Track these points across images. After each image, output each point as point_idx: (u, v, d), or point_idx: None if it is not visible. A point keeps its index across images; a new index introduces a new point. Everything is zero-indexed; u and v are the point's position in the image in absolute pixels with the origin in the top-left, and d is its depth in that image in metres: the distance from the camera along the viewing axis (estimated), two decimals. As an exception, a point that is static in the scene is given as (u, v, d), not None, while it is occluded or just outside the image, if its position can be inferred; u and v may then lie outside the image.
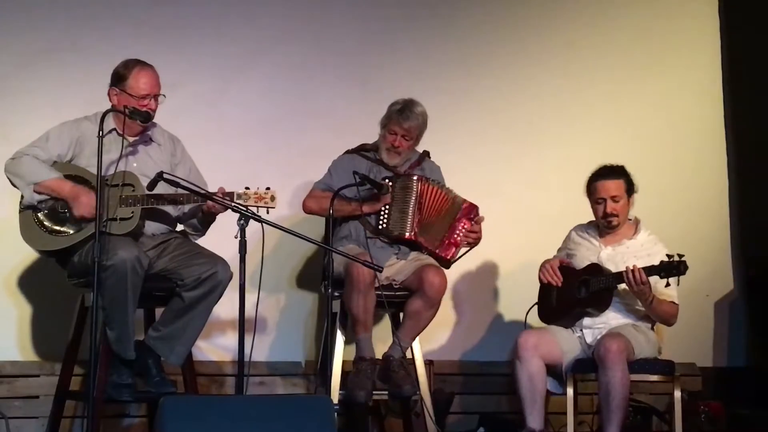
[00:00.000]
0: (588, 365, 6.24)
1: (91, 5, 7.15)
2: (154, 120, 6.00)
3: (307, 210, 6.64)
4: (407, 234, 6.44)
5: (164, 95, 5.93)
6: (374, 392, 6.32)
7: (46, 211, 5.79)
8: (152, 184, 5.72)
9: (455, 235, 6.51)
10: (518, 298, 7.02)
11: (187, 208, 6.03)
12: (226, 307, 6.26)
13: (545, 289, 6.57)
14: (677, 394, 6.31)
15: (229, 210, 5.72)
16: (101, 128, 5.54)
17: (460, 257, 6.60)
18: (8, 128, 6.74)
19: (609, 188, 6.41)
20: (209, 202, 5.80)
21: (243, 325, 5.51)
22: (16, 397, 6.64)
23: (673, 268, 6.06)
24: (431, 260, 6.45)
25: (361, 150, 6.70)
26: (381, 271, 6.09)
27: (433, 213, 6.49)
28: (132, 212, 5.74)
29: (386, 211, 6.48)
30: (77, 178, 5.81)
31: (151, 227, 5.96)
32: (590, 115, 8.00)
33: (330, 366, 6.21)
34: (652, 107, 8.11)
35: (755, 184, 8.07)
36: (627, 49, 8.12)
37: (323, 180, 6.63)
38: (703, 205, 8.13)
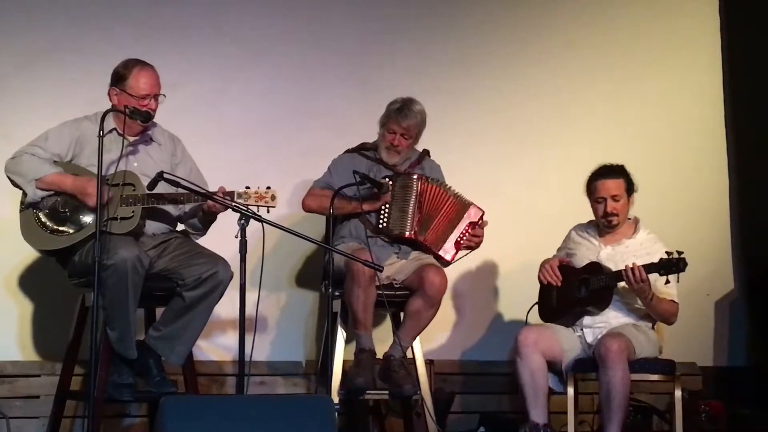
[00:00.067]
0: (588, 365, 6.24)
1: (91, 5, 7.15)
2: (154, 120, 5.99)
3: (306, 208, 6.63)
4: (407, 233, 6.44)
5: (164, 95, 5.93)
6: (375, 391, 6.32)
7: (46, 211, 5.79)
8: (153, 184, 5.72)
9: (458, 238, 6.51)
10: (518, 298, 7.02)
11: (187, 207, 6.03)
12: (226, 306, 6.26)
13: (545, 288, 6.57)
14: (678, 393, 6.31)
15: (230, 209, 5.71)
16: (101, 128, 5.54)
17: (459, 258, 6.59)
18: (9, 128, 6.74)
19: (609, 188, 6.41)
20: (209, 202, 5.80)
21: (243, 324, 5.51)
22: (16, 397, 6.64)
23: (672, 265, 6.06)
24: (432, 259, 6.45)
25: (361, 149, 6.70)
26: (381, 271, 6.09)
27: (434, 212, 6.49)
28: (132, 212, 5.74)
29: (386, 210, 6.48)
30: (79, 175, 5.81)
31: (152, 227, 5.95)
32: (590, 115, 8.00)
33: (330, 365, 6.21)
34: (652, 107, 8.11)
35: (755, 184, 8.07)
36: (627, 49, 8.11)
37: (322, 178, 6.64)
38: (703, 204, 8.13)
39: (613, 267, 6.30)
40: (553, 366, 6.33)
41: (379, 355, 6.37)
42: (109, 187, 5.70)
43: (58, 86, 6.96)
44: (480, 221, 6.54)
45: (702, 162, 8.19)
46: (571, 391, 6.33)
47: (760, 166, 8.02)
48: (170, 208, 5.99)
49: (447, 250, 6.50)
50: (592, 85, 8.04)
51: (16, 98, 6.91)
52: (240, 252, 5.51)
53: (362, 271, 6.13)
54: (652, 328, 6.41)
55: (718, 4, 8.33)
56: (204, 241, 6.11)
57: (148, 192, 5.76)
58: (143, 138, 6.01)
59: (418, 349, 6.45)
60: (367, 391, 6.31)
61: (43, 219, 5.79)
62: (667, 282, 6.12)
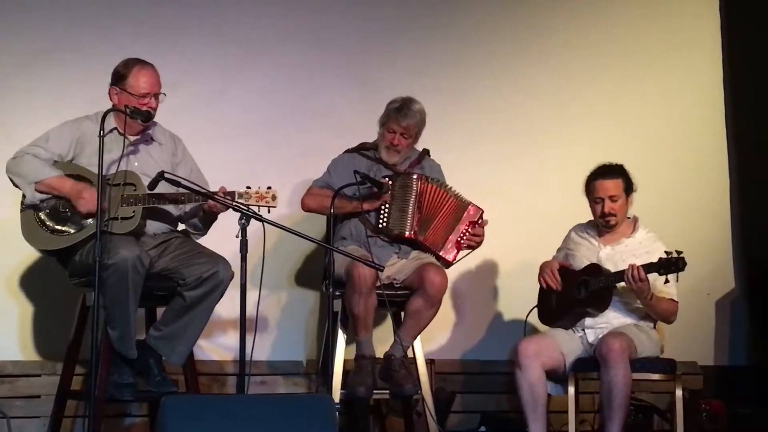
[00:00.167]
0: (589, 364, 6.24)
1: (91, 5, 7.15)
2: (155, 119, 5.99)
3: (305, 208, 6.63)
4: (407, 233, 6.43)
5: (165, 94, 5.92)
6: (375, 391, 6.32)
7: (47, 211, 5.79)
8: (153, 184, 5.72)
9: (459, 238, 6.51)
10: (518, 297, 7.04)
11: (188, 207, 6.02)
12: (227, 306, 6.25)
13: (545, 290, 6.57)
14: (678, 392, 6.30)
15: (230, 209, 5.71)
16: (102, 128, 5.54)
17: (460, 259, 6.59)
18: (9, 128, 6.75)
19: (607, 188, 6.41)
20: (210, 202, 5.80)
21: (244, 324, 5.51)
22: (17, 397, 6.64)
23: (671, 264, 6.06)
24: (432, 259, 6.45)
25: (360, 149, 6.70)
26: (382, 270, 6.09)
27: (434, 212, 6.49)
28: (133, 211, 5.74)
29: (386, 210, 6.47)
30: (78, 177, 5.81)
31: (153, 226, 5.95)
32: (590, 114, 8.01)
33: (331, 365, 6.20)
34: (652, 107, 8.12)
35: (756, 183, 8.08)
36: (627, 49, 8.12)
37: (322, 178, 6.63)
38: (704, 204, 8.13)
39: (613, 267, 6.30)
40: (554, 374, 6.33)
41: (380, 354, 6.37)
42: (109, 191, 5.69)
43: (58, 86, 6.96)
44: (480, 220, 6.54)
45: (702, 161, 8.19)
46: (571, 390, 6.33)
47: (760, 165, 8.03)
48: (171, 208, 5.99)
49: (448, 251, 6.50)
50: (592, 84, 8.04)
51: (16, 98, 6.91)
52: (241, 251, 5.50)
53: (362, 278, 6.12)
54: (653, 327, 6.41)
55: (718, 3, 8.34)
56: (204, 241, 6.10)
57: (148, 192, 5.76)
58: (144, 137, 6.01)
59: (419, 349, 6.45)
60: (368, 392, 6.34)
61: (44, 219, 5.79)
62: (667, 281, 6.12)
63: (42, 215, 5.79)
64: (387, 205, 6.47)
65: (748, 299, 8.10)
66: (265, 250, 5.71)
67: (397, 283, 6.38)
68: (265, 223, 5.58)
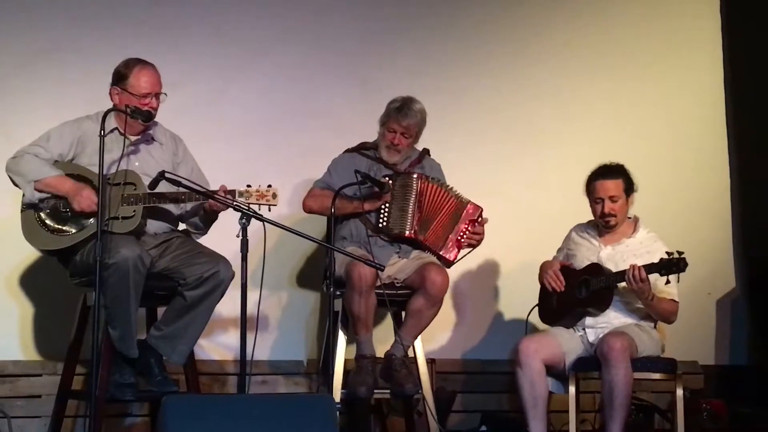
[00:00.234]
0: (590, 363, 6.24)
1: (91, 5, 7.15)
2: (155, 119, 5.99)
3: (307, 209, 6.63)
4: (407, 232, 6.43)
5: (166, 94, 5.92)
6: (376, 391, 6.32)
7: (48, 211, 5.79)
8: (154, 183, 5.72)
9: (459, 237, 6.51)
10: (519, 297, 7.05)
11: (189, 206, 6.02)
12: (227, 306, 6.25)
13: (545, 290, 6.56)
14: (679, 392, 6.28)
15: (231, 209, 5.71)
16: (103, 127, 5.54)
17: (461, 258, 6.59)
18: (9, 128, 6.75)
19: (607, 188, 6.40)
20: (211, 201, 5.80)
21: (245, 323, 5.51)
22: (18, 397, 6.65)
23: (672, 265, 6.05)
24: (433, 258, 6.45)
25: (360, 148, 6.70)
26: (383, 270, 6.09)
27: (434, 211, 6.49)
28: (134, 211, 5.74)
29: (386, 210, 6.47)
30: (79, 177, 5.81)
31: (153, 226, 5.95)
32: (590, 114, 8.01)
33: (332, 365, 6.20)
34: (652, 107, 8.11)
35: (757, 183, 8.07)
36: (627, 49, 8.12)
37: (323, 179, 6.63)
38: (704, 203, 8.13)
39: (614, 267, 6.30)
40: (555, 372, 6.33)
41: (381, 354, 6.37)
42: (110, 189, 5.69)
43: (58, 86, 6.96)
44: (479, 218, 6.53)
45: (703, 161, 8.19)
46: (572, 389, 6.33)
47: (761, 164, 8.02)
48: (172, 208, 5.99)
49: (449, 250, 6.50)
50: (592, 84, 8.04)
51: (16, 98, 6.91)
52: (241, 251, 5.50)
53: (362, 278, 6.12)
54: (654, 327, 6.41)
55: (718, 3, 8.33)
56: (205, 241, 6.11)
57: (149, 191, 5.76)
58: (145, 137, 6.01)
59: (420, 348, 6.45)
60: (368, 392, 6.34)
61: (45, 219, 5.79)
62: (668, 282, 6.12)
63: (43, 215, 5.79)
64: (387, 205, 6.46)
65: (748, 299, 8.09)
66: (265, 250, 5.71)
67: (398, 283, 6.38)
68: (265, 223, 5.57)
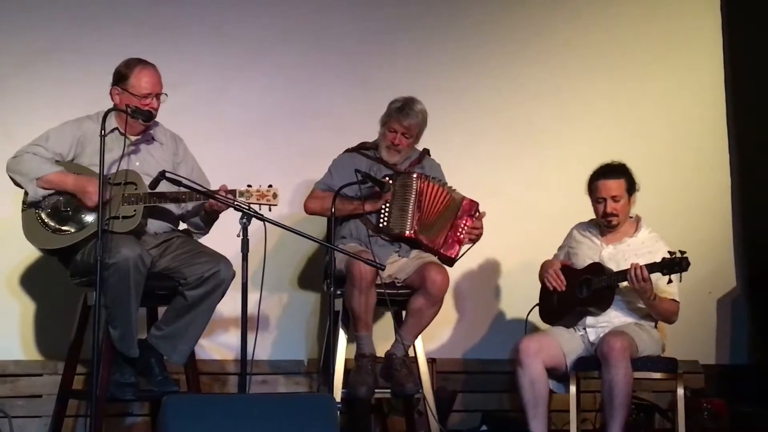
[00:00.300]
0: (591, 363, 6.24)
1: (91, 5, 7.15)
2: (156, 119, 5.98)
3: (308, 211, 6.63)
4: (407, 232, 6.43)
5: (166, 94, 5.92)
6: (377, 390, 6.31)
7: (48, 210, 5.78)
8: (154, 183, 5.72)
9: (458, 233, 6.50)
10: (520, 296, 7.05)
11: (190, 206, 6.02)
12: (228, 305, 6.24)
13: (546, 289, 6.56)
14: (680, 391, 6.28)
15: (231, 208, 5.71)
16: (103, 127, 5.54)
17: (463, 254, 6.58)
18: (9, 128, 6.75)
19: (609, 188, 6.40)
20: (211, 201, 5.80)
21: (245, 323, 5.50)
22: (19, 397, 6.65)
23: (674, 264, 6.05)
24: (433, 258, 6.45)
25: (361, 148, 6.70)
26: (383, 269, 6.09)
27: (434, 210, 6.49)
28: (134, 210, 5.74)
29: (386, 209, 6.47)
30: (80, 175, 5.81)
31: (154, 226, 5.95)
32: (590, 114, 8.01)
33: (332, 364, 6.21)
34: (652, 106, 8.12)
35: (757, 182, 8.08)
36: (627, 49, 8.12)
37: (323, 180, 6.63)
38: (704, 203, 8.13)
39: (615, 266, 6.30)
40: (555, 372, 6.33)
41: (381, 353, 6.37)
42: (111, 186, 5.70)
43: (59, 86, 6.96)
44: (476, 213, 6.52)
45: (703, 161, 8.19)
46: (573, 389, 6.33)
47: (761, 164, 8.03)
48: (172, 207, 5.99)
49: (449, 247, 6.49)
50: (592, 84, 8.05)
51: (16, 98, 6.91)
52: (242, 251, 5.49)
53: (362, 274, 6.12)
54: (655, 326, 6.41)
55: (719, 3, 8.33)
56: (206, 240, 6.11)
57: (150, 191, 5.75)
58: (145, 137, 6.01)
59: (420, 348, 6.45)
60: (369, 391, 6.33)
61: (45, 218, 5.79)
62: (669, 282, 6.12)
63: (43, 214, 5.78)
64: (387, 205, 6.46)
65: (749, 298, 8.10)
66: (266, 250, 5.72)
67: (398, 282, 6.38)
68: (266, 223, 5.57)
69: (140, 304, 5.74)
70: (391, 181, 6.46)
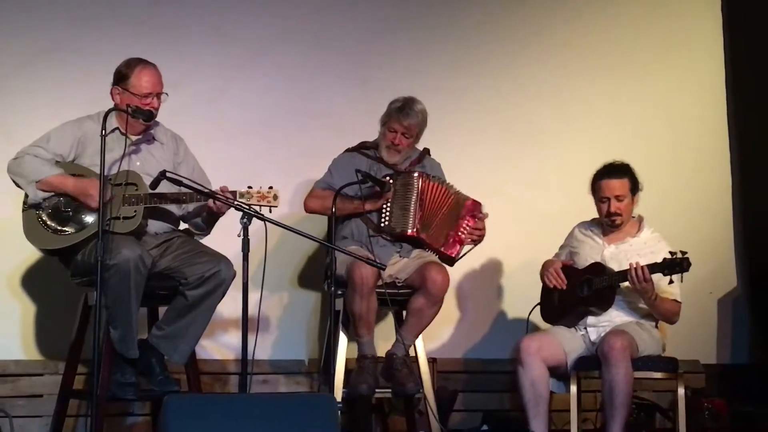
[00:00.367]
0: (592, 362, 6.24)
1: (91, 5, 7.15)
2: (156, 119, 5.98)
3: (309, 210, 6.62)
4: (409, 231, 6.42)
5: (167, 94, 5.92)
6: (377, 390, 6.31)
7: (49, 211, 5.78)
8: (155, 183, 5.71)
9: (460, 233, 6.50)
10: (520, 296, 7.06)
11: (191, 206, 6.02)
12: (229, 305, 6.22)
13: (547, 288, 6.56)
14: (681, 391, 6.28)
15: (232, 209, 5.71)
16: (104, 127, 5.54)
17: (464, 255, 6.58)
18: (9, 128, 6.75)
19: (613, 187, 6.40)
20: (211, 201, 5.79)
21: (246, 323, 5.50)
22: (19, 396, 6.65)
23: (676, 265, 6.05)
24: (434, 258, 6.45)
25: (361, 148, 6.70)
26: (384, 269, 6.09)
27: (435, 209, 6.48)
28: (135, 211, 5.74)
29: (388, 209, 6.47)
30: (80, 177, 5.80)
31: (154, 226, 5.95)
32: (590, 114, 8.01)
33: (333, 364, 6.21)
34: (653, 106, 8.12)
35: (758, 182, 8.08)
36: (627, 48, 8.12)
37: (324, 179, 6.63)
38: (705, 203, 8.13)
39: (617, 266, 6.30)
40: (556, 371, 6.33)
41: (382, 353, 6.37)
42: (112, 187, 5.70)
43: (59, 86, 6.96)
44: (479, 214, 6.52)
45: (703, 161, 8.19)
46: (574, 389, 6.33)
47: (762, 164, 8.03)
48: (173, 208, 5.99)
49: (450, 247, 6.49)
50: (592, 84, 8.04)
51: (16, 98, 6.91)
52: (243, 251, 5.50)
53: (364, 279, 6.12)
54: (656, 326, 6.41)
55: (719, 2, 8.33)
56: (206, 240, 6.10)
57: (150, 191, 5.75)
58: (146, 137, 6.01)
59: (421, 348, 6.45)
60: (370, 391, 6.33)
61: (46, 219, 5.78)
62: (671, 282, 6.12)
63: (44, 215, 5.78)
64: (388, 204, 6.46)
65: (750, 297, 8.10)
66: (267, 250, 5.71)
67: (399, 282, 6.38)
68: (266, 223, 5.57)
69: (141, 304, 5.74)
70: (391, 181, 6.46)
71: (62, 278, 6.05)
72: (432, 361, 6.78)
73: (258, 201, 5.73)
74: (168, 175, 5.65)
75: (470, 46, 7.87)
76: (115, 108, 5.82)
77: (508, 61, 7.94)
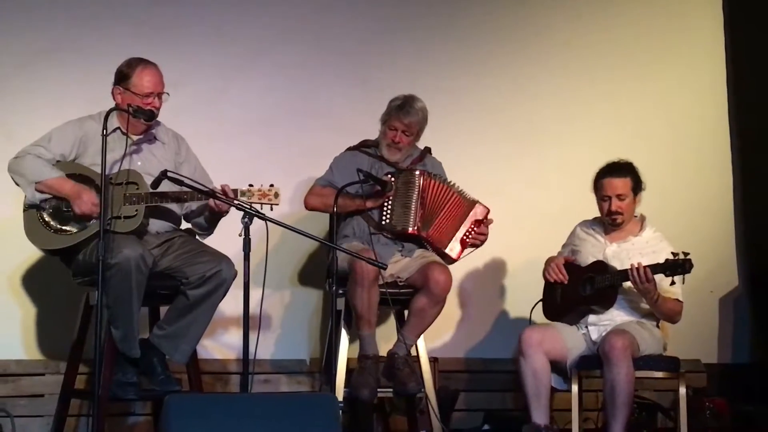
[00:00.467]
0: (593, 362, 6.24)
1: (91, 5, 7.15)
2: (158, 119, 5.98)
3: (309, 207, 6.62)
4: (410, 228, 6.42)
5: (168, 93, 5.92)
6: (379, 389, 6.30)
7: (50, 211, 5.78)
8: (156, 183, 5.71)
9: (464, 236, 6.50)
10: (522, 295, 7.04)
11: (194, 206, 6.02)
12: (230, 305, 6.23)
13: (550, 286, 6.56)
14: (682, 390, 6.28)
15: (234, 208, 5.70)
16: (105, 127, 5.53)
17: (465, 256, 6.58)
18: (9, 128, 6.75)
19: (615, 186, 6.40)
20: (212, 201, 5.79)
21: (247, 322, 5.50)
22: (21, 396, 6.65)
23: (678, 266, 6.05)
24: (436, 257, 6.44)
25: (362, 146, 6.70)
26: (385, 269, 6.09)
27: (436, 208, 6.48)
28: (136, 210, 5.74)
29: (389, 206, 6.47)
30: (81, 177, 5.81)
31: (156, 225, 5.94)
32: (590, 114, 8.01)
33: (335, 364, 6.22)
34: (653, 106, 8.11)
35: (759, 181, 8.08)
36: (628, 48, 8.11)
37: (325, 176, 6.63)
38: (706, 202, 8.13)
39: (619, 264, 6.29)
40: (557, 365, 6.33)
41: (383, 352, 6.37)
42: (113, 187, 5.69)
43: (59, 86, 6.96)
44: (486, 219, 6.53)
45: (705, 160, 8.19)
46: (575, 388, 6.32)
47: (763, 163, 8.03)
48: (174, 207, 5.99)
49: (452, 248, 6.49)
50: (593, 84, 8.04)
51: (16, 98, 6.91)
52: (244, 250, 5.49)
53: (365, 271, 6.12)
54: (657, 325, 6.41)
55: (720, 2, 8.32)
56: (208, 240, 6.10)
57: (151, 191, 5.75)
58: (147, 137, 6.01)
59: (423, 347, 6.45)
60: (371, 391, 6.33)
61: (47, 218, 5.78)
62: (673, 282, 6.12)
63: (45, 215, 5.78)
64: (390, 202, 6.46)
65: (751, 297, 8.10)
66: (268, 249, 5.71)
67: (401, 281, 6.38)
68: (268, 222, 5.57)
69: (142, 303, 5.74)
70: (393, 179, 6.46)
71: (63, 278, 6.05)
72: (433, 360, 6.77)
73: (259, 199, 5.74)
74: (169, 174, 5.64)
75: (470, 46, 7.87)
76: (117, 108, 5.82)
77: (508, 61, 7.94)
